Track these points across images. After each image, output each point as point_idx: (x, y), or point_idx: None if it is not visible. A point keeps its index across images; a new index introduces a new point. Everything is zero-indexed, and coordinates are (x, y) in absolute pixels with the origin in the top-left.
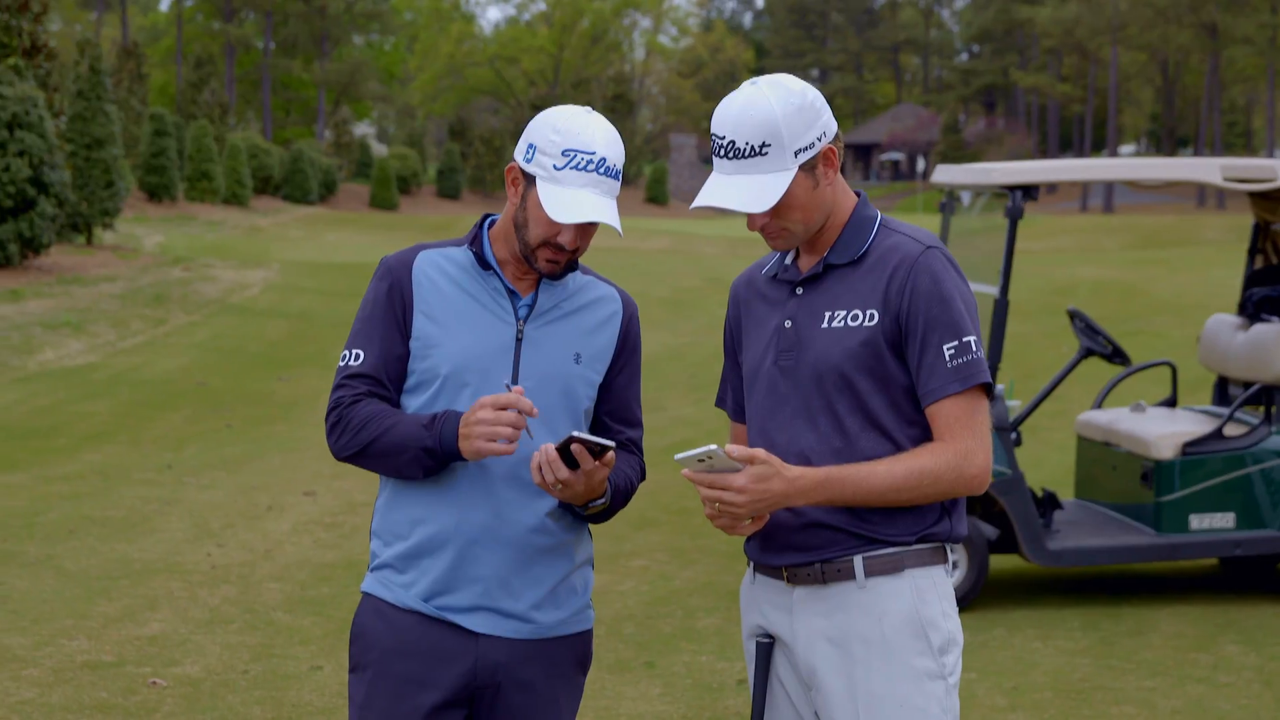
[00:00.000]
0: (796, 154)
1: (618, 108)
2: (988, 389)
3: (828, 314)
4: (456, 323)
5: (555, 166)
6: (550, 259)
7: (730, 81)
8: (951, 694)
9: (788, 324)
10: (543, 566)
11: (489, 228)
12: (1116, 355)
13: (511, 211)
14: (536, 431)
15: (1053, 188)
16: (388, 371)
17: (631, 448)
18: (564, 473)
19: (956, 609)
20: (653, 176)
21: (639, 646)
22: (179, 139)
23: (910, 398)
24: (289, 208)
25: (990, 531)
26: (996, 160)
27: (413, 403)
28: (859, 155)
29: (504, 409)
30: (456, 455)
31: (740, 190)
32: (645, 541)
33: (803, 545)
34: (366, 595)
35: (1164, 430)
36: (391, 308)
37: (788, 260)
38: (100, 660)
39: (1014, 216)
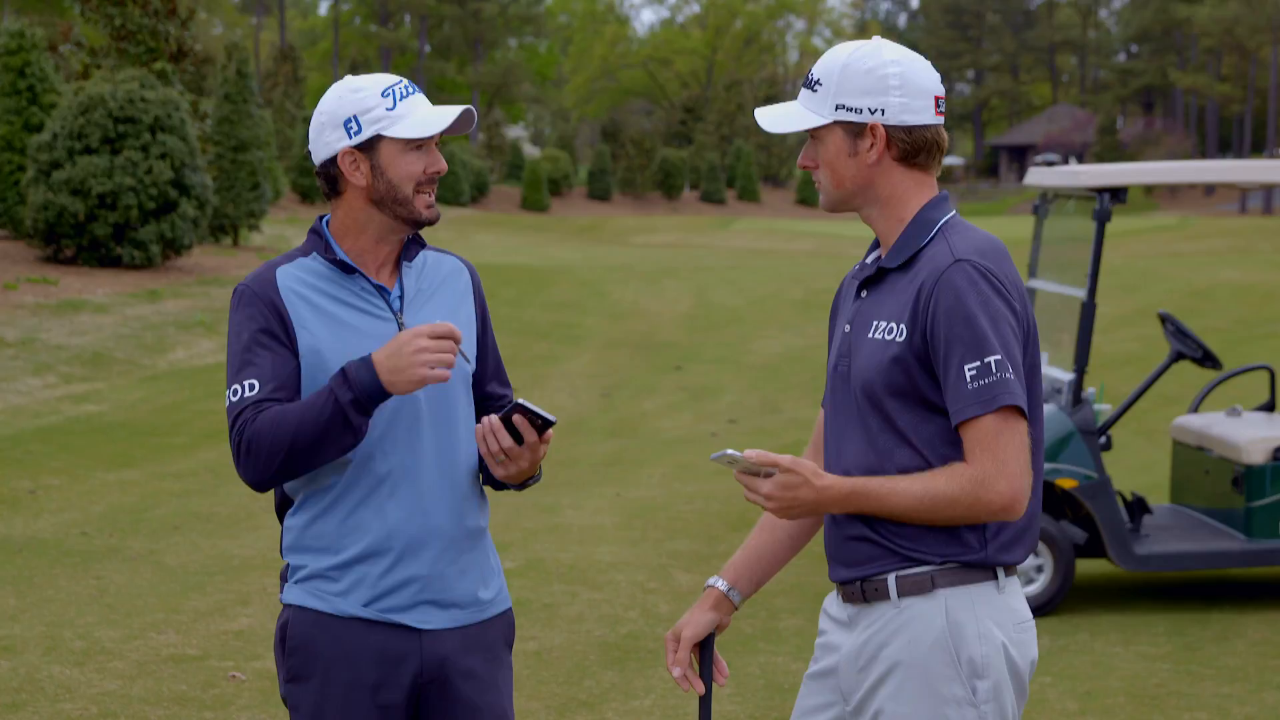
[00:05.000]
0: (838, 108)
1: None
2: (1020, 411)
3: (874, 323)
4: (340, 334)
5: (388, 109)
6: (428, 201)
7: None
8: None
9: (847, 328)
10: (470, 554)
11: (328, 230)
12: (1207, 359)
13: (364, 196)
14: (448, 429)
15: (1210, 189)
16: (288, 389)
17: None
18: (508, 441)
19: (1004, 628)
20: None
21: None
22: None
23: (945, 415)
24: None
25: (1078, 535)
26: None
27: None
28: (1014, 157)
29: (440, 338)
30: (383, 395)
31: (777, 110)
32: (740, 542)
33: (847, 560)
34: (296, 608)
35: (1256, 435)
36: (271, 329)
37: (869, 258)
38: (185, 654)
39: (1101, 219)
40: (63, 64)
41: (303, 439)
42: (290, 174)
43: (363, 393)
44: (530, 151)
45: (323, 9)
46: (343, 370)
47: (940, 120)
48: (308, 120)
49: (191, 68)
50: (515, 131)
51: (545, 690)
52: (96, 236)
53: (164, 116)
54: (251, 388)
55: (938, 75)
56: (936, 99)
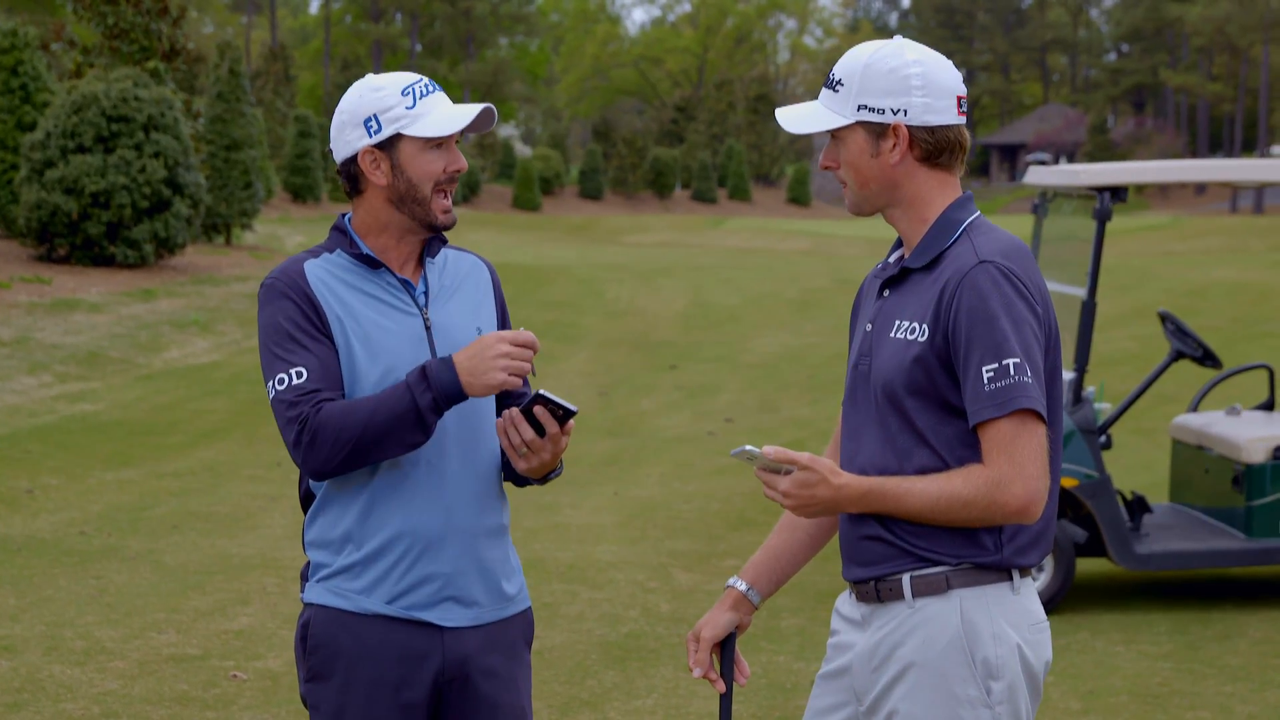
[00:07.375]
0: (860, 108)
1: (760, 108)
2: (1038, 415)
3: (897, 322)
4: (369, 327)
5: (408, 108)
6: (445, 206)
7: None
8: None
9: (869, 327)
10: (492, 551)
11: (350, 227)
12: (1207, 358)
13: (384, 195)
14: (472, 427)
15: (1201, 189)
16: (334, 380)
17: None
18: (529, 434)
19: (1019, 629)
20: (795, 177)
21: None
22: (324, 140)
23: (965, 417)
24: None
25: (1078, 534)
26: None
27: None
28: (1005, 156)
29: (521, 345)
30: (460, 397)
31: (799, 110)
32: (741, 542)
33: (862, 559)
34: (318, 606)
35: (1256, 434)
36: (308, 319)
37: (891, 258)
38: (186, 653)
39: (1102, 218)
40: (55, 63)
41: (372, 433)
42: (282, 173)
43: (441, 393)
44: (522, 150)
45: (313, 7)
46: (422, 368)
47: (962, 120)
48: (299, 119)
49: (184, 66)
50: (507, 130)
51: (547, 690)
52: (90, 235)
53: (157, 115)
54: (300, 374)
55: (959, 75)
56: (958, 99)
